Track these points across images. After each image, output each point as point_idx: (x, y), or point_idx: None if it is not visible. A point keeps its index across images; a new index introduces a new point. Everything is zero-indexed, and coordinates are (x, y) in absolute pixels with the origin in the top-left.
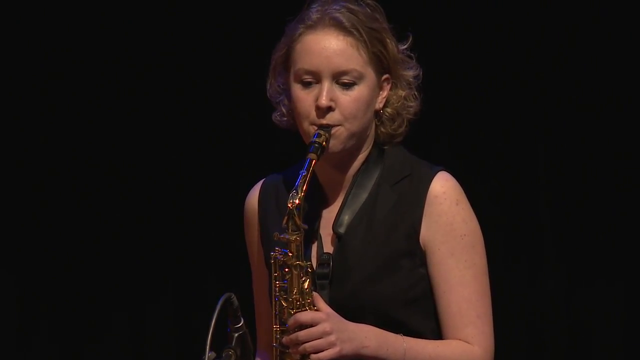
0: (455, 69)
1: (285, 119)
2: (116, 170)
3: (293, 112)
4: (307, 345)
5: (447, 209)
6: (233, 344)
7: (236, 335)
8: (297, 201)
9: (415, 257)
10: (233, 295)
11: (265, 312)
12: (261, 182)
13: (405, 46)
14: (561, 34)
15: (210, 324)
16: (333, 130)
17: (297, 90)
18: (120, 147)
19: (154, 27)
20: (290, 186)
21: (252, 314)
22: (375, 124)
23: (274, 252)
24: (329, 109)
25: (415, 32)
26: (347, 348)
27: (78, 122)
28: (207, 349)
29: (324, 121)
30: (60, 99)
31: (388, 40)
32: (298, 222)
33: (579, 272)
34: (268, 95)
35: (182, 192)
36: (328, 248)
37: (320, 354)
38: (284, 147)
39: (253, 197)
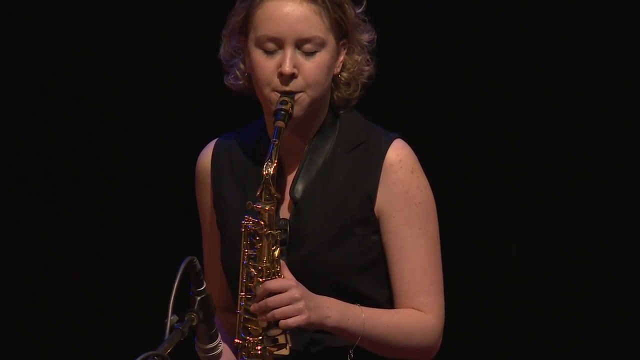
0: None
1: (240, 82)
2: (87, 129)
3: (252, 77)
4: (276, 311)
5: (402, 177)
6: (195, 307)
7: (199, 298)
8: (271, 170)
9: (369, 224)
10: (195, 259)
11: (216, 274)
12: (213, 142)
13: (360, 10)
14: None
15: (173, 288)
16: (296, 97)
17: (258, 56)
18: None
19: None
20: (244, 148)
21: None
22: (331, 89)
23: (245, 220)
24: (292, 75)
25: None
26: (314, 316)
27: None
28: (170, 312)
29: (287, 88)
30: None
31: (346, 6)
32: (273, 191)
33: (540, 228)
34: (220, 57)
35: (148, 155)
36: (285, 214)
37: (289, 320)
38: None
39: (205, 157)
